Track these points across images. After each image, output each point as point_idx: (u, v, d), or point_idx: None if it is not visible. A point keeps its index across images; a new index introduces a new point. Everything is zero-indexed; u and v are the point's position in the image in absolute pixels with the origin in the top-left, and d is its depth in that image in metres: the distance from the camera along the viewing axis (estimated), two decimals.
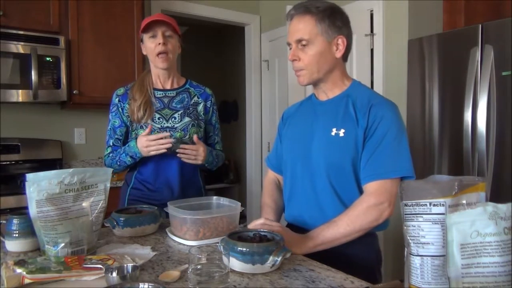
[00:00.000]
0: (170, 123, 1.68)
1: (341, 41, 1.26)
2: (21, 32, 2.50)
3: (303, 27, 1.24)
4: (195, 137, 1.63)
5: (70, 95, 2.69)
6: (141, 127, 1.67)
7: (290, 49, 1.29)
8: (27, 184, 1.08)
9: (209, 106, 1.79)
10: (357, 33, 2.83)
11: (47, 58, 2.57)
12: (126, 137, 1.75)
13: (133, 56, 2.93)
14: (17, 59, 2.48)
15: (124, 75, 2.89)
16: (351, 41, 1.30)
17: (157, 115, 1.68)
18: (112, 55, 2.85)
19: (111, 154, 1.72)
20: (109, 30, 2.84)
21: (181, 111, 1.71)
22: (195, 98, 1.77)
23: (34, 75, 2.51)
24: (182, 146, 1.60)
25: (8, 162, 2.69)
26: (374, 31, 2.75)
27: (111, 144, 1.74)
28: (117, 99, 1.73)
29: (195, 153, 1.61)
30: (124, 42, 2.90)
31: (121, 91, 1.75)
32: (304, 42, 1.24)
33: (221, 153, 1.84)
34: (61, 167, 2.85)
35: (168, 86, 1.76)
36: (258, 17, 3.93)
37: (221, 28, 4.35)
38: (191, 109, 1.74)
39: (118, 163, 1.68)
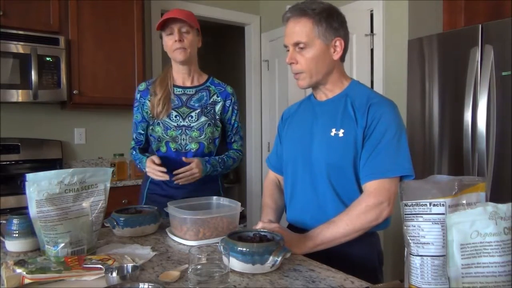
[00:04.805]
0: (187, 122, 1.70)
1: (338, 43, 1.25)
2: (21, 32, 2.50)
3: (300, 30, 1.22)
4: (184, 159, 1.62)
5: (70, 95, 2.69)
6: (158, 124, 1.70)
7: (288, 51, 1.27)
8: (27, 184, 1.08)
9: (228, 105, 1.79)
10: (357, 33, 2.83)
11: (47, 58, 2.57)
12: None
13: (133, 56, 2.94)
14: (17, 59, 2.48)
15: (124, 75, 2.90)
16: (348, 41, 1.29)
17: (174, 113, 1.70)
18: (112, 55, 2.85)
19: (136, 149, 1.81)
20: (109, 30, 2.84)
21: (198, 110, 1.72)
22: (214, 97, 1.77)
23: (34, 75, 2.51)
24: (175, 172, 1.60)
25: (8, 162, 2.69)
26: (374, 31, 2.75)
27: (134, 137, 1.83)
28: (138, 95, 1.77)
29: (188, 174, 1.60)
30: (124, 42, 2.90)
31: (142, 86, 1.79)
32: (301, 45, 1.23)
33: (236, 153, 1.84)
34: (61, 167, 2.85)
35: (188, 83, 1.77)
36: (258, 17, 3.93)
37: (221, 28, 4.35)
38: (208, 108, 1.74)
39: (139, 166, 1.76)
